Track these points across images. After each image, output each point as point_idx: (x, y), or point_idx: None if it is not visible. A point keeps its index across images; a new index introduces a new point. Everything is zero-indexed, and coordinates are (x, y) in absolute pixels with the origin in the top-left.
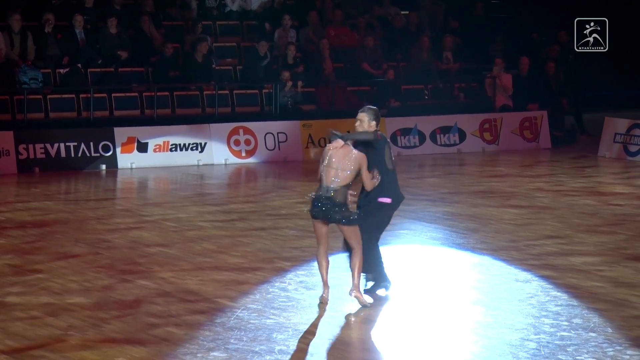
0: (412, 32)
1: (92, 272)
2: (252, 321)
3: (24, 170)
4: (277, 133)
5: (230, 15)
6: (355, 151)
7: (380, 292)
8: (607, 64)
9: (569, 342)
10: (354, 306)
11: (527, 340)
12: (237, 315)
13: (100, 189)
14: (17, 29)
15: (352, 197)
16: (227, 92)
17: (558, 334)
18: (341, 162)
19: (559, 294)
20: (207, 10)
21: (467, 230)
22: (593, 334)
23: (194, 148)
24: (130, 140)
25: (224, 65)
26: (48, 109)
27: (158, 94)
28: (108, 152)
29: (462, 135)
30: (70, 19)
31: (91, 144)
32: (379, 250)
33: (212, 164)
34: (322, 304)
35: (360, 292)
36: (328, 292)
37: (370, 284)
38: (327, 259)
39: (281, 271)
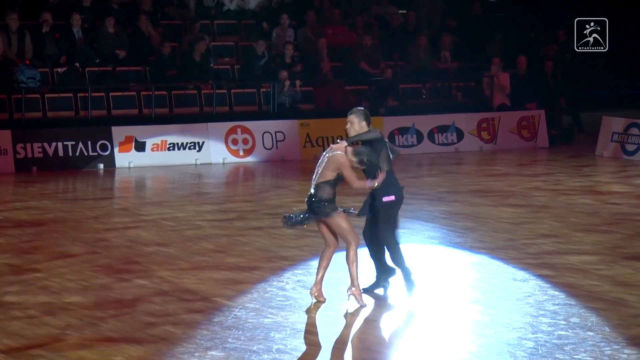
0: (410, 31)
1: (90, 271)
2: (250, 320)
3: (21, 169)
4: (275, 132)
5: (228, 15)
6: (338, 152)
7: (379, 291)
8: (604, 63)
9: (566, 341)
10: (352, 305)
11: (525, 339)
12: (234, 315)
13: (98, 188)
14: (14, 28)
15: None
16: (225, 91)
17: (555, 333)
18: (325, 161)
19: (556, 293)
20: (205, 10)
21: (464, 229)
22: (590, 333)
23: (192, 147)
24: (128, 140)
25: (222, 65)
26: (46, 108)
27: (156, 93)
28: (106, 151)
29: (460, 135)
30: (68, 18)
31: (89, 143)
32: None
33: (210, 163)
34: (318, 301)
35: (358, 290)
36: (315, 289)
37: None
38: (328, 258)
39: (279, 270)
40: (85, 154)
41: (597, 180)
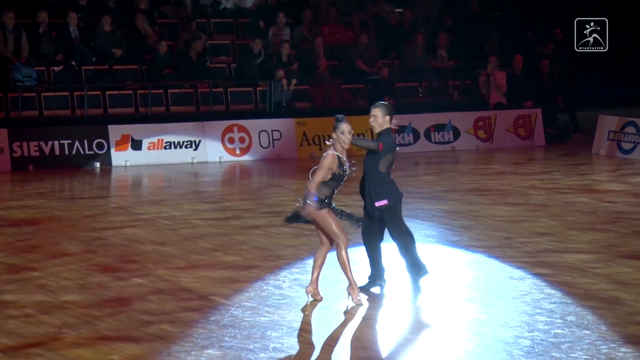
0: (406, 30)
1: (87, 270)
2: (246, 319)
3: (18, 168)
4: (272, 131)
5: (225, 13)
6: (329, 152)
7: (375, 289)
8: (600, 62)
9: (562, 340)
10: (349, 304)
11: (521, 337)
12: (231, 313)
13: (94, 186)
14: (10, 27)
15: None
16: (221, 89)
17: (552, 331)
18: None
19: (553, 291)
20: (202, 8)
21: (461, 228)
22: (587, 332)
23: (188, 146)
24: (124, 138)
25: (219, 63)
26: (42, 107)
27: (152, 91)
28: (102, 149)
29: (457, 133)
30: (64, 16)
31: (85, 141)
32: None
33: (207, 162)
34: (315, 300)
35: (355, 289)
36: (311, 287)
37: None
38: (322, 256)
39: (275, 269)
40: (82, 152)
41: (594, 178)
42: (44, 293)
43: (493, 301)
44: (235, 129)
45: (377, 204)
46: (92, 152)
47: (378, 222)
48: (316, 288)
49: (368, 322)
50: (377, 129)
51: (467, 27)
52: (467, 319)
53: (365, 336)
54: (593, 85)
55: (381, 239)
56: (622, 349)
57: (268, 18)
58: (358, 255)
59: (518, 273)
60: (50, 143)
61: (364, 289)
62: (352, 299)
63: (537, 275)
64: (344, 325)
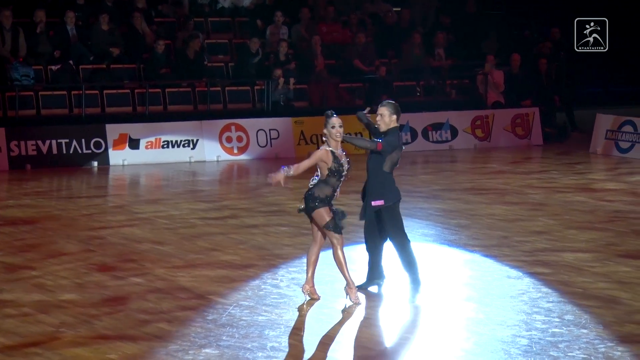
0: (404, 29)
1: (84, 269)
2: (244, 318)
3: (15, 167)
4: (269, 130)
5: (222, 12)
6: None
7: (373, 288)
8: (598, 61)
9: (560, 339)
10: (346, 303)
11: (519, 336)
12: (229, 312)
13: (92, 185)
14: (8, 26)
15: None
16: (219, 88)
17: (550, 330)
18: None
19: (550, 290)
20: (199, 7)
21: (459, 227)
22: (584, 331)
23: (186, 145)
24: (122, 137)
25: (216, 62)
26: (39, 106)
27: (150, 90)
28: (100, 149)
29: (454, 132)
30: (61, 15)
31: (83, 140)
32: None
33: (204, 161)
34: (312, 299)
35: (352, 288)
36: (308, 286)
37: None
38: (315, 254)
39: (273, 268)
40: (79, 151)
41: (591, 177)
42: (41, 292)
43: (491, 300)
44: (233, 128)
45: (373, 203)
46: (90, 151)
47: (377, 223)
48: (313, 287)
49: (366, 321)
50: (383, 128)
51: (465, 26)
52: (464, 318)
53: (363, 335)
54: (591, 84)
55: (384, 239)
56: (620, 348)
57: (266, 17)
58: (355, 254)
59: (516, 272)
60: (47, 142)
61: (362, 288)
62: (350, 298)
63: (535, 274)
64: (341, 324)
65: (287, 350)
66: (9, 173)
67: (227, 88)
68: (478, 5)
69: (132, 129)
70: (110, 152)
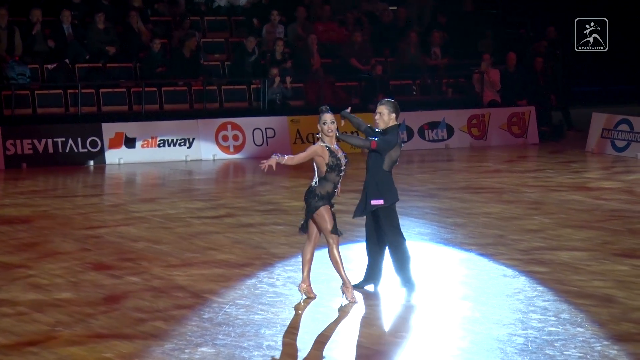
0: (400, 28)
1: (80, 268)
2: (240, 317)
3: (11, 166)
4: (265, 129)
5: (219, 11)
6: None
7: (369, 287)
8: (594, 60)
9: (556, 337)
10: (342, 302)
11: (515, 335)
12: (225, 311)
13: (88, 184)
14: (4, 24)
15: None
16: (215, 87)
17: (546, 329)
18: None
19: (546, 289)
20: (195, 6)
21: (455, 226)
22: (580, 329)
23: (182, 144)
24: (118, 136)
25: (212, 61)
26: (36, 105)
27: (146, 89)
28: (96, 147)
29: (450, 131)
30: (58, 14)
31: (79, 139)
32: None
33: (200, 160)
34: (309, 298)
35: (349, 287)
36: (304, 285)
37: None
38: (310, 252)
39: (269, 267)
40: (75, 150)
41: (587, 176)
42: (37, 291)
43: (487, 299)
44: (229, 126)
45: (373, 202)
46: (86, 150)
47: (373, 222)
48: (309, 285)
49: (362, 320)
50: (382, 126)
51: (461, 25)
52: (460, 316)
53: (360, 334)
54: (586, 83)
55: (403, 237)
56: (616, 347)
57: (262, 16)
58: (351, 253)
59: (511, 271)
60: (43, 141)
61: (358, 287)
62: (346, 297)
63: (531, 273)
64: (337, 323)
65: (283, 349)
66: (5, 172)
67: (223, 87)
68: (474, 4)
69: (128, 127)
70: (106, 151)
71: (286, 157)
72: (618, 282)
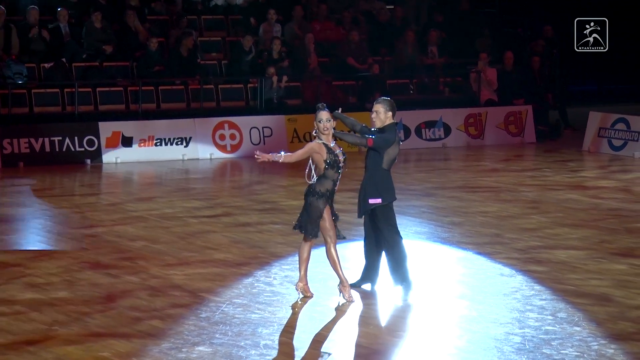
0: (397, 27)
1: (77, 267)
2: (237, 316)
3: (8, 165)
4: (262, 127)
5: (216, 10)
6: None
7: (366, 286)
8: (591, 60)
9: (553, 336)
10: (340, 301)
11: (512, 334)
12: (222, 310)
13: (85, 183)
14: (0, 23)
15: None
16: (212, 86)
17: (543, 328)
18: None
19: (543, 288)
20: (192, 5)
21: (451, 225)
22: (577, 328)
23: (179, 143)
24: (115, 135)
25: (209, 60)
26: (32, 104)
27: (143, 88)
28: (93, 146)
29: (447, 130)
30: (54, 13)
31: (76, 138)
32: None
33: (197, 159)
34: (305, 297)
35: (346, 286)
36: (301, 284)
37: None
38: (306, 251)
39: (266, 266)
40: (72, 149)
41: (584, 175)
42: (34, 290)
43: (484, 298)
44: (226, 125)
45: (371, 200)
46: (83, 149)
47: (370, 220)
48: (306, 284)
49: (359, 319)
50: (378, 125)
51: (458, 24)
52: (457, 315)
53: (357, 333)
54: (583, 82)
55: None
56: (613, 346)
57: (259, 15)
58: (349, 252)
59: (508, 270)
60: (40, 140)
61: (355, 286)
62: (344, 296)
63: (528, 271)
64: (335, 322)
65: (280, 348)
66: (2, 171)
67: (220, 86)
68: (471, 3)
69: (125, 126)
70: (103, 150)
71: (283, 155)
72: (615, 281)
